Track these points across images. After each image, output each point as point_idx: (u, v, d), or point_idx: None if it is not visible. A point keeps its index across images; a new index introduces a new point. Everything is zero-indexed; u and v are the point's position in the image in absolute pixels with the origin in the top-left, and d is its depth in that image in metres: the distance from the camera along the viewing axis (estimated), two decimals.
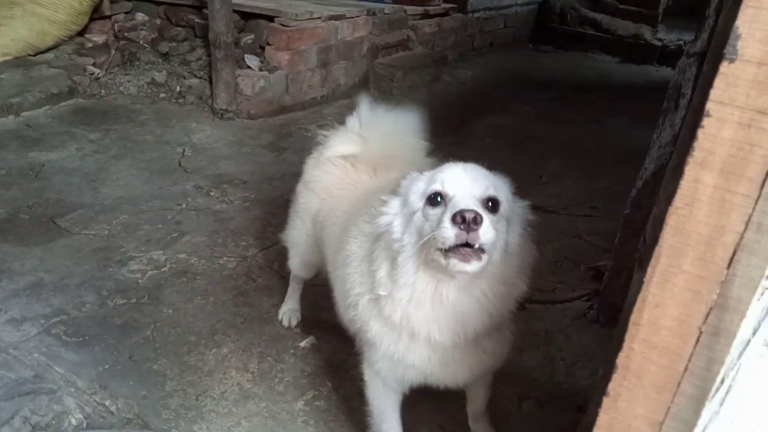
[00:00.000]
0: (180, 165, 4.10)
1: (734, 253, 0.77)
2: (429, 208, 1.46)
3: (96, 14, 5.40)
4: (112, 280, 2.81)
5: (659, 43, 8.59)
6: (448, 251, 1.38)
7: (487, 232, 1.36)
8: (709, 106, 0.74)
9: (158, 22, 5.69)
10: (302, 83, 5.35)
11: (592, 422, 0.96)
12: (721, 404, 1.16)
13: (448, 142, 4.16)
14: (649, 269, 0.82)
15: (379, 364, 1.74)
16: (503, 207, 1.49)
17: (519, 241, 1.54)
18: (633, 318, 0.85)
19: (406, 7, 6.54)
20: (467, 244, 1.35)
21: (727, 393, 1.17)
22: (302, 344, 2.50)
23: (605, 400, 0.90)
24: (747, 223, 0.75)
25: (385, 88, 5.99)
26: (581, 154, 4.90)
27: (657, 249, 0.81)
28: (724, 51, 0.72)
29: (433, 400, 2.07)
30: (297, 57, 5.19)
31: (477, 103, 6.16)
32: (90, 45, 5.38)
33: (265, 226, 3.39)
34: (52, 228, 3.19)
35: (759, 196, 0.74)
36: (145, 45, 5.51)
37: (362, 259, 1.68)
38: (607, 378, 0.92)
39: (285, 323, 2.59)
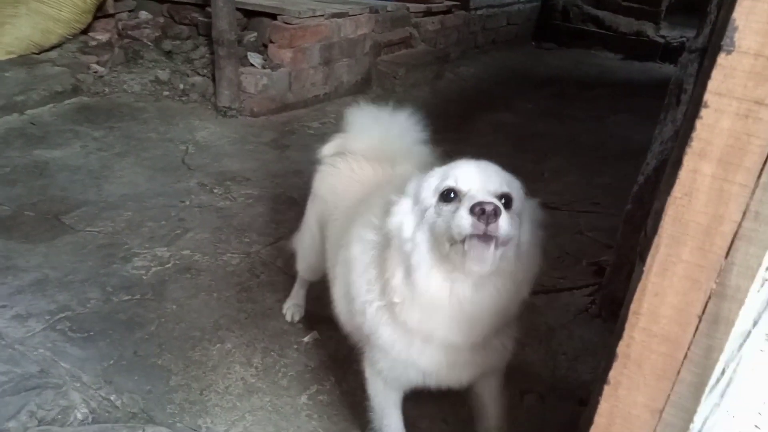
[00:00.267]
0: (183, 162, 4.12)
1: (732, 242, 0.78)
2: (443, 205, 1.45)
3: (100, 13, 5.42)
4: (116, 276, 2.83)
5: (662, 40, 8.59)
6: (464, 248, 1.36)
7: (506, 224, 1.35)
8: (707, 97, 0.75)
9: (161, 20, 5.71)
10: (305, 81, 5.36)
11: (594, 410, 0.97)
12: (722, 396, 1.17)
13: (450, 139, 4.17)
14: (649, 259, 0.84)
15: (382, 364, 1.72)
16: (516, 204, 1.48)
17: (530, 240, 1.53)
18: (633, 307, 0.86)
19: (408, 4, 6.55)
20: (485, 235, 1.34)
21: (728, 385, 1.18)
22: (305, 339, 2.52)
23: (606, 389, 0.91)
24: (745, 213, 0.76)
25: (387, 86, 6.00)
26: (583, 150, 4.91)
27: (656, 239, 0.82)
28: (722, 43, 0.74)
29: (436, 395, 2.08)
30: (300, 55, 5.20)
31: (479, 100, 6.17)
32: (94, 43, 5.40)
33: (268, 222, 3.41)
34: (57, 225, 3.21)
35: (756, 186, 0.75)
36: (149, 43, 5.53)
37: (368, 266, 1.65)
38: (607, 366, 0.93)
39: (288, 318, 2.61)
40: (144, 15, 5.74)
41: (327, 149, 2.22)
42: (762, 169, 0.74)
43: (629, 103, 6.21)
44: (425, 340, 1.57)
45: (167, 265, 2.94)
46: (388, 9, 6.19)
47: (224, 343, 2.47)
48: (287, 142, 4.64)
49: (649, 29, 8.72)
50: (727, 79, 0.74)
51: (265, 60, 5.19)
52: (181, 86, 5.20)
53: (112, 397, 2.14)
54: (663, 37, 8.68)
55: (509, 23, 8.55)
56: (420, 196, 1.51)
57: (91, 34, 5.46)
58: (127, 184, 3.72)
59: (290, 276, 2.72)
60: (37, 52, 5.05)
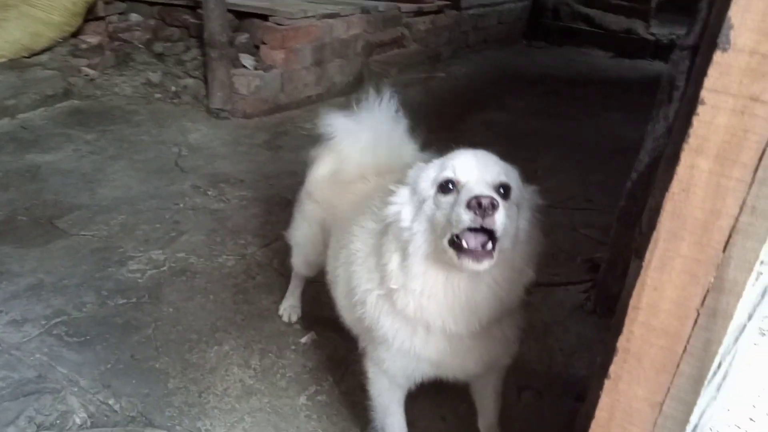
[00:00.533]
0: (177, 165, 4.11)
1: (729, 237, 0.79)
2: (440, 196, 1.45)
3: (90, 15, 5.39)
4: (111, 280, 2.82)
5: (652, 38, 8.64)
6: (460, 250, 1.37)
7: (502, 217, 1.35)
8: (704, 94, 0.77)
9: (152, 22, 5.69)
10: (297, 82, 5.36)
11: (593, 405, 0.98)
12: (718, 389, 1.19)
13: (442, 138, 4.16)
14: (648, 254, 0.85)
15: (388, 363, 1.71)
16: (514, 193, 1.49)
17: (528, 228, 1.54)
18: (632, 302, 0.87)
19: (400, 4, 6.56)
20: (481, 228, 1.34)
21: (724, 378, 1.19)
22: (303, 340, 2.52)
23: (607, 383, 0.92)
24: (741, 207, 0.77)
25: (379, 86, 6.00)
26: (576, 148, 4.93)
27: (655, 234, 0.83)
28: (718, 40, 0.75)
29: (435, 393, 2.09)
30: (292, 56, 5.20)
31: (471, 99, 6.19)
32: (84, 46, 5.38)
33: (263, 224, 3.40)
34: (50, 229, 3.19)
35: (753, 181, 0.76)
36: (140, 45, 5.51)
37: (368, 255, 1.65)
38: (608, 361, 0.94)
39: (285, 319, 2.61)
40: (135, 17, 5.72)
41: (320, 170, 2.20)
42: (758, 165, 0.75)
43: (620, 101, 6.24)
44: (426, 329, 1.56)
45: (162, 268, 2.94)
46: (380, 9, 6.19)
47: (222, 345, 2.46)
48: (280, 144, 4.64)
49: (639, 27, 8.77)
50: (723, 76, 0.75)
51: (257, 61, 5.18)
52: (173, 88, 5.19)
53: (110, 401, 2.13)
54: (653, 34, 8.74)
55: (500, 22, 8.58)
56: (418, 187, 1.51)
57: (81, 37, 5.44)
58: (121, 187, 3.71)
59: (286, 277, 2.72)
60: (27, 55, 5.02)
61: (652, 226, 0.85)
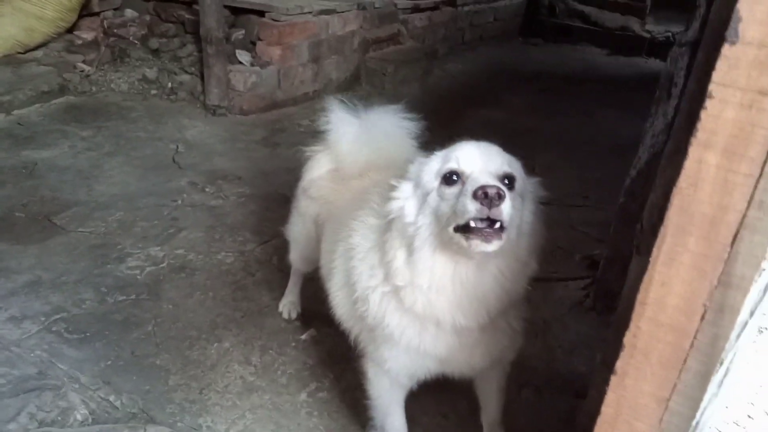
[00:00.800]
0: (174, 161, 4.09)
1: (737, 232, 0.79)
2: (445, 188, 1.44)
3: (85, 11, 5.36)
4: (110, 276, 2.81)
5: (647, 35, 8.65)
6: (468, 231, 1.35)
7: (509, 207, 1.34)
8: (712, 87, 0.76)
9: (148, 18, 5.65)
10: (294, 78, 5.34)
11: (594, 402, 0.98)
12: (720, 386, 1.19)
13: (439, 135, 4.16)
14: (655, 249, 0.85)
15: (391, 362, 1.68)
16: (518, 184, 1.48)
17: (532, 219, 1.53)
18: (639, 297, 0.87)
19: (396, 1, 6.54)
20: (488, 219, 1.33)
21: (725, 375, 1.19)
22: (303, 337, 2.52)
23: (613, 379, 0.92)
24: (749, 202, 0.77)
25: (376, 83, 6.00)
26: (572, 145, 4.94)
27: (662, 229, 0.83)
28: (726, 34, 0.75)
29: (436, 390, 2.09)
30: (288, 52, 5.19)
31: (468, 96, 6.18)
32: (79, 42, 5.35)
33: (262, 220, 3.40)
34: (48, 226, 3.18)
35: (761, 175, 0.76)
36: (135, 41, 5.48)
37: (369, 251, 1.63)
38: (610, 357, 0.94)
39: (285, 315, 2.61)
40: (130, 13, 5.69)
41: (315, 171, 2.19)
42: (766, 159, 0.75)
43: (616, 98, 6.25)
44: (435, 325, 1.54)
45: (161, 265, 2.93)
46: (376, 6, 6.18)
47: (222, 341, 2.46)
48: (278, 140, 4.63)
49: (634, 24, 8.78)
50: (732, 70, 0.75)
51: (253, 57, 5.17)
52: (169, 85, 5.16)
53: (111, 398, 2.13)
54: (648, 32, 8.75)
55: (496, 19, 8.57)
56: (422, 180, 1.50)
57: (76, 32, 5.41)
58: (118, 184, 3.69)
59: (285, 274, 2.71)
60: (22, 51, 4.99)
61: (653, 222, 0.85)
